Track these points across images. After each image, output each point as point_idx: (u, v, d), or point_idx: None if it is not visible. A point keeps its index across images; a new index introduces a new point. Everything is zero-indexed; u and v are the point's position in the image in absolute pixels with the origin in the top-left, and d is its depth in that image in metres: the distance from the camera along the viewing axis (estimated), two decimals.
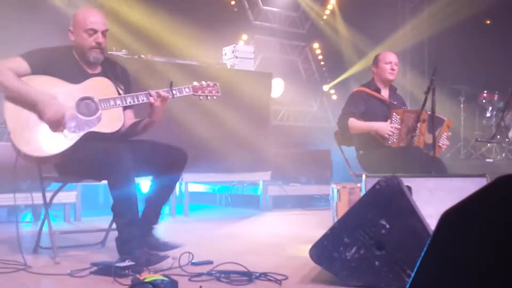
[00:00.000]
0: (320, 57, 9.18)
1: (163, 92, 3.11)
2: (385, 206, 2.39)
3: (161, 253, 2.91)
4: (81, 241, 3.57)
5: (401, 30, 9.48)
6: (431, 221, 2.36)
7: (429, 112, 4.19)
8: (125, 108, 3.17)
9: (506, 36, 7.89)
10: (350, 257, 2.38)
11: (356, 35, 8.80)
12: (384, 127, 4.19)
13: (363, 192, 3.54)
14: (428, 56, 9.32)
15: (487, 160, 7.49)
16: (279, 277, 2.56)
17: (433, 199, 3.28)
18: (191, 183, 5.72)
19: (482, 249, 1.14)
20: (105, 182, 2.98)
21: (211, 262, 2.86)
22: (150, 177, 3.24)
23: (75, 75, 3.08)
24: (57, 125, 2.94)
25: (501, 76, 7.57)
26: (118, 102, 3.07)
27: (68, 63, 3.13)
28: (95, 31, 3.11)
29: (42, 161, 3.03)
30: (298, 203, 6.34)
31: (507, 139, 7.24)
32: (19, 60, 2.99)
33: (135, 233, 2.89)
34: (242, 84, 5.64)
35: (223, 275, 2.58)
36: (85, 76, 3.12)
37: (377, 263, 2.34)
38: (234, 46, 6.06)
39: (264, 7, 8.61)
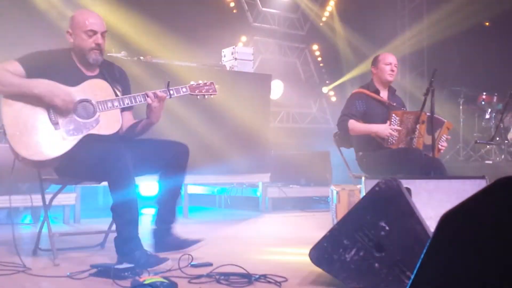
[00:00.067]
0: (319, 58, 9.19)
1: (160, 93, 3.12)
2: (385, 208, 2.39)
3: (159, 255, 2.91)
4: (81, 243, 3.56)
5: (400, 30, 9.50)
6: (431, 223, 2.37)
7: (428, 113, 4.19)
8: (123, 109, 3.17)
9: (505, 38, 7.90)
10: (350, 259, 2.38)
11: (355, 37, 8.80)
12: (384, 129, 4.19)
13: (362, 194, 3.55)
14: (427, 58, 9.32)
15: (487, 161, 7.49)
16: (278, 279, 2.56)
17: (433, 201, 3.28)
18: (191, 185, 5.72)
19: (482, 251, 1.14)
20: (105, 183, 2.98)
21: (210, 264, 2.85)
22: (156, 176, 3.25)
23: (72, 78, 3.08)
24: (67, 111, 2.96)
25: (500, 78, 7.59)
26: (116, 103, 3.07)
27: (65, 66, 3.12)
28: (95, 32, 3.11)
29: (41, 165, 3.02)
30: (298, 205, 6.34)
31: (506, 141, 7.24)
32: (16, 64, 2.98)
33: (135, 234, 2.89)
34: (241, 85, 5.65)
35: (222, 277, 2.58)
36: (83, 78, 3.12)
37: (376, 265, 2.34)
38: (233, 48, 6.05)
39: (263, 9, 8.61)
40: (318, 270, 2.50)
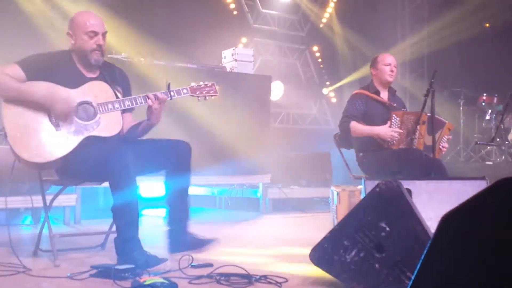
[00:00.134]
0: (320, 60, 9.19)
1: (160, 94, 3.11)
2: (385, 208, 2.39)
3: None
4: (81, 244, 3.57)
5: (401, 31, 9.49)
6: (431, 224, 2.37)
7: (428, 114, 4.19)
8: (123, 111, 3.17)
9: (505, 39, 7.90)
10: (350, 260, 2.38)
11: (355, 38, 8.80)
12: (386, 131, 4.18)
13: (363, 195, 3.55)
14: (428, 59, 9.32)
15: (487, 162, 7.48)
16: (279, 280, 2.56)
17: (433, 202, 3.27)
18: (191, 185, 5.70)
19: (482, 251, 1.14)
20: (106, 184, 2.98)
21: (211, 265, 2.86)
22: (158, 177, 3.24)
23: (73, 80, 3.08)
24: (66, 118, 2.95)
25: (501, 79, 7.58)
26: (116, 105, 3.07)
27: (65, 68, 3.12)
28: (96, 33, 3.11)
29: (42, 167, 3.02)
30: (298, 205, 6.33)
31: (506, 142, 7.24)
32: (15, 67, 2.98)
33: (135, 234, 2.89)
34: (241, 87, 5.65)
35: (223, 277, 2.58)
36: (83, 80, 3.12)
37: (377, 265, 2.34)
38: (233, 49, 6.06)
39: (264, 10, 8.61)
40: (318, 270, 2.50)
